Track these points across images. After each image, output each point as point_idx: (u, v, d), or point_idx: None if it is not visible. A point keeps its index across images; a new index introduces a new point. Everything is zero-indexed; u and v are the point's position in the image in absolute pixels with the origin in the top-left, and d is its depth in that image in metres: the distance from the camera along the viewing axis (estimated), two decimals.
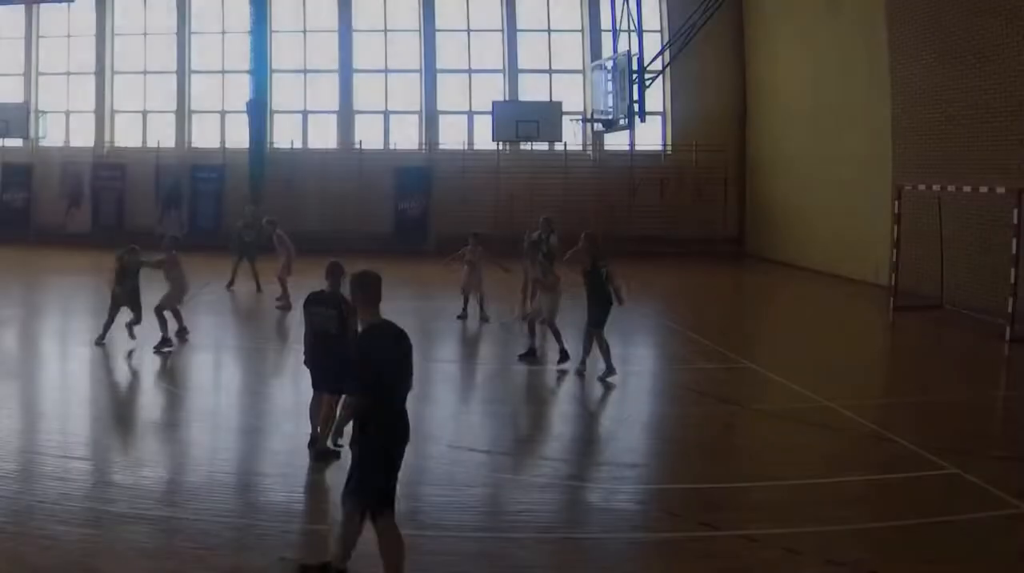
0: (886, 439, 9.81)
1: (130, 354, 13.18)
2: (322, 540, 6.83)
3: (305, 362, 9.13)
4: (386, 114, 29.97)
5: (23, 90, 29.86)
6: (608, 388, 12.07)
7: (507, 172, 28.87)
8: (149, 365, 13.01)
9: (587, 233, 12.90)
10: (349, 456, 8.83)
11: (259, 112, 28.46)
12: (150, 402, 11.22)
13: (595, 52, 29.28)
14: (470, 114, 29.78)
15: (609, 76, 27.47)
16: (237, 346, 15.19)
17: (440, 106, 29.91)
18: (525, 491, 8.23)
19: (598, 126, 28.53)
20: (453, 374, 13.41)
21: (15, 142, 29.47)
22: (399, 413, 5.87)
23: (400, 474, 8.63)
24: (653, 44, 28.36)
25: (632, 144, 29.59)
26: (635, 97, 26.03)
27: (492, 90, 29.60)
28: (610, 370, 12.17)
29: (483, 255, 16.44)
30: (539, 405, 11.75)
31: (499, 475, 8.77)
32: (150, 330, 13.51)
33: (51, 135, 30.29)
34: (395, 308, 16.98)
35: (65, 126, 30.38)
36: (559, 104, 28.98)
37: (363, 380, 5.77)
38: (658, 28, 29.40)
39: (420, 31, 29.78)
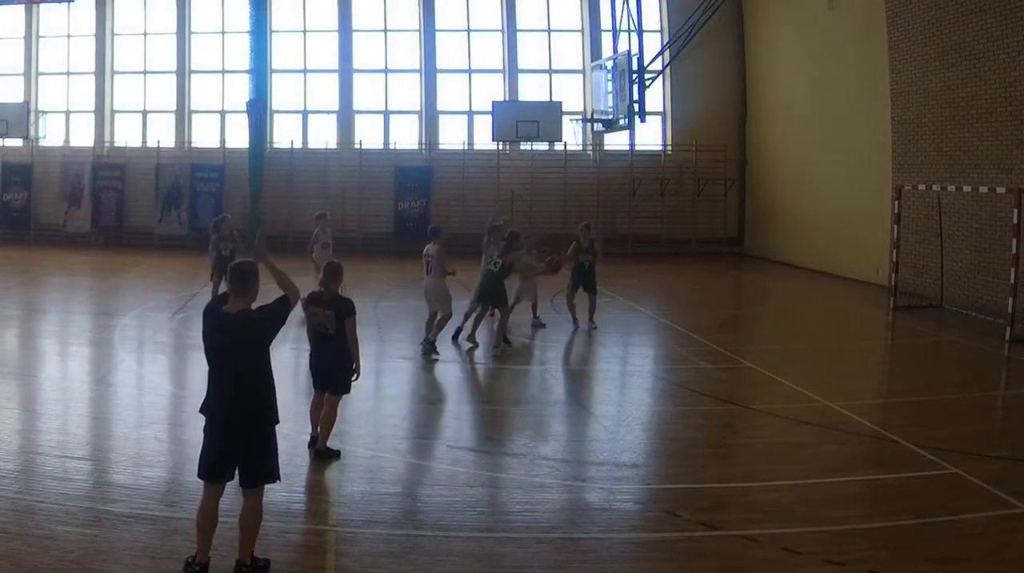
0: (886, 439, 9.81)
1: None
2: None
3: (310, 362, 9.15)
4: (386, 114, 29.97)
5: (23, 90, 29.86)
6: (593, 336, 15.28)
7: (507, 172, 28.88)
8: (149, 365, 13.02)
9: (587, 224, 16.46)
10: (350, 456, 8.92)
11: (259, 112, 28.43)
12: (150, 402, 11.21)
13: (595, 52, 29.29)
14: (470, 114, 29.77)
15: (609, 76, 27.51)
16: None
17: (440, 106, 29.91)
18: (525, 491, 8.23)
19: (598, 126, 28.56)
20: (452, 374, 13.40)
21: (15, 142, 29.47)
22: (212, 386, 6.34)
23: (400, 474, 8.71)
24: (653, 44, 28.44)
25: (632, 144, 29.59)
26: (635, 97, 26.09)
27: (492, 90, 29.59)
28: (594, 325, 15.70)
29: (537, 257, 15.84)
30: (538, 405, 11.74)
31: (499, 475, 8.77)
32: (138, 329, 13.50)
33: (51, 135, 30.30)
34: (396, 307, 16.91)
35: (65, 126, 30.38)
36: (559, 104, 28.97)
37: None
38: (658, 28, 29.42)
39: (420, 31, 29.77)
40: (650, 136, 29.62)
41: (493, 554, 6.83)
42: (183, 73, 29.94)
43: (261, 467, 6.37)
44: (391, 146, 29.74)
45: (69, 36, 30.02)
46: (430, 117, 29.72)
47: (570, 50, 30.24)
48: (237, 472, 6.33)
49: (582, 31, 30.05)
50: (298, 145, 29.57)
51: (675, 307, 19.86)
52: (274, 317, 6.33)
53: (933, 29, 19.15)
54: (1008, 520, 7.52)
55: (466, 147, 29.39)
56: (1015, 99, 16.96)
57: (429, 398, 11.90)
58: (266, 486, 7.38)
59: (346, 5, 29.77)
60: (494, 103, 28.87)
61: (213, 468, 6.27)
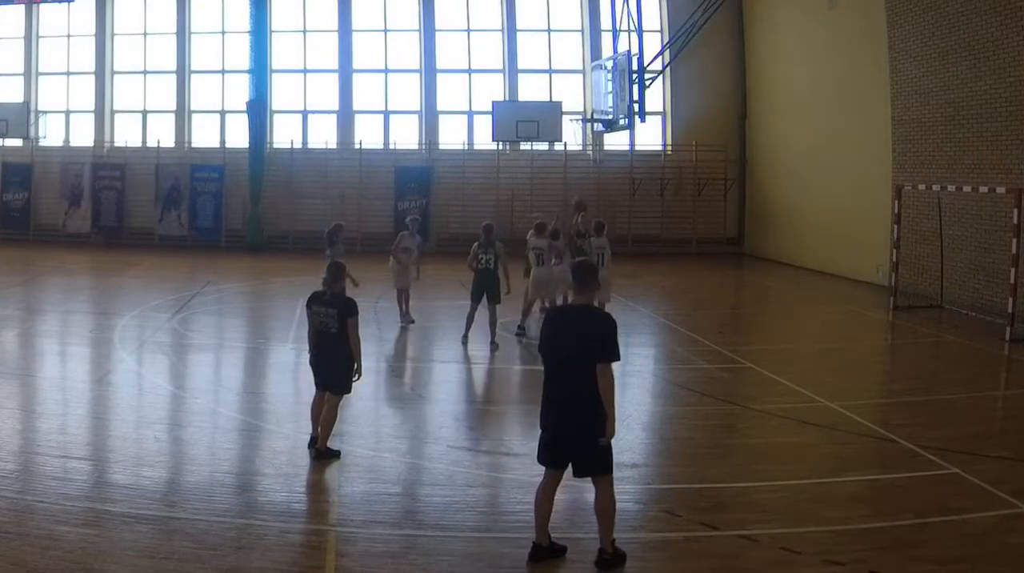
0: (886, 439, 9.81)
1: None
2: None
3: (310, 361, 9.16)
4: (386, 114, 29.97)
5: (23, 90, 29.87)
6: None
7: (507, 172, 28.88)
8: (149, 365, 13.02)
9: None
10: (350, 456, 8.92)
11: (259, 112, 28.46)
12: (150, 402, 11.20)
13: (595, 52, 29.29)
14: (470, 114, 29.77)
15: (609, 76, 27.50)
16: (237, 346, 15.19)
17: (440, 106, 29.91)
18: (525, 491, 8.21)
19: (598, 126, 28.56)
20: (453, 374, 13.41)
21: (15, 142, 29.48)
22: (547, 381, 6.90)
23: (400, 474, 8.72)
24: (653, 44, 28.43)
25: (632, 144, 29.60)
26: (635, 97, 26.08)
27: (492, 90, 29.59)
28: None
29: (558, 253, 15.58)
30: (539, 405, 11.71)
31: (499, 475, 8.77)
32: (142, 330, 13.48)
33: (51, 135, 30.31)
34: (396, 308, 16.91)
35: (65, 126, 30.38)
36: (559, 104, 28.98)
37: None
38: (658, 28, 29.41)
39: (420, 31, 29.77)
40: (650, 136, 29.63)
41: (493, 554, 6.83)
42: (183, 73, 29.94)
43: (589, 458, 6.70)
44: (391, 146, 29.74)
45: (69, 36, 30.01)
46: (430, 117, 29.72)
47: (570, 50, 30.24)
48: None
49: (582, 31, 30.05)
50: (298, 145, 29.57)
51: (675, 307, 19.86)
52: (614, 342, 6.54)
53: (933, 29, 19.14)
54: (1008, 520, 7.52)
55: (466, 147, 29.40)
56: (1015, 99, 16.96)
57: (418, 391, 11.91)
58: (266, 486, 7.39)
59: (346, 5, 29.77)
60: (494, 103, 28.87)
61: (550, 454, 6.76)
